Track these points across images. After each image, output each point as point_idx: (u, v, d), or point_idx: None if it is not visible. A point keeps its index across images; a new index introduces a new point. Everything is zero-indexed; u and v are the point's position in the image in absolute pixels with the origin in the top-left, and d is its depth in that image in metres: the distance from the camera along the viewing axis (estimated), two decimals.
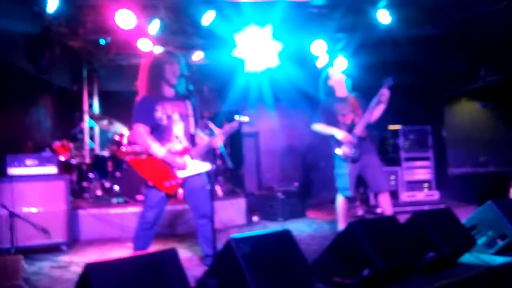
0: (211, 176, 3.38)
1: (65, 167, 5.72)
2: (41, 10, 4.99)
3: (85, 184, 6.08)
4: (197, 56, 6.70)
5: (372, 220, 3.33)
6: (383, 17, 5.23)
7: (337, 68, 4.90)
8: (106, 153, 6.38)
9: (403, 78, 6.16)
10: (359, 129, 4.55)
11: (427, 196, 7.02)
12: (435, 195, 7.07)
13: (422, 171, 7.13)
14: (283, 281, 2.59)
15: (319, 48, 6.14)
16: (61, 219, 4.62)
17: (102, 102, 7.96)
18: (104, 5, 5.17)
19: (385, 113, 4.67)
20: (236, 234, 2.62)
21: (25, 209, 4.46)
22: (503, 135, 7.16)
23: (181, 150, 3.53)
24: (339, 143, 4.56)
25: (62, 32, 5.75)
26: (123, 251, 4.57)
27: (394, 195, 6.65)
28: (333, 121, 4.64)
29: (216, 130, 3.65)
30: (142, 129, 3.46)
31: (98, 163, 6.35)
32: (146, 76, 3.54)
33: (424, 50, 6.59)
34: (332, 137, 4.62)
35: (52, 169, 4.68)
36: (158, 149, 3.44)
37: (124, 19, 5.11)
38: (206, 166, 3.58)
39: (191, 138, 3.61)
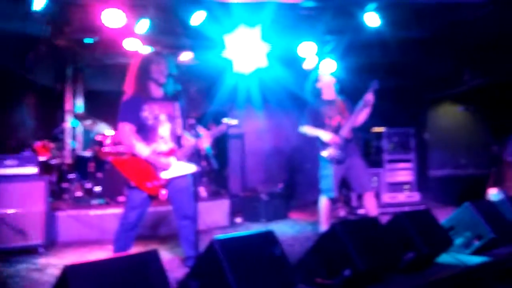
0: (196, 178, 3.37)
1: (45, 168, 5.64)
2: (27, 8, 4.92)
3: (65, 185, 6.00)
4: (186, 56, 6.67)
5: (354, 221, 3.37)
6: (372, 20, 5.29)
7: (327, 70, 4.95)
8: (88, 154, 6.31)
9: (390, 81, 6.25)
10: (345, 131, 4.62)
11: (408, 197, 7.11)
12: (416, 196, 7.16)
13: (403, 173, 7.21)
14: (265, 282, 2.60)
15: (307, 49, 6.17)
16: (39, 220, 4.53)
17: (87, 102, 7.86)
18: (92, 4, 5.11)
19: (370, 116, 4.74)
20: (219, 235, 2.62)
21: (1, 210, 4.37)
22: (483, 139, 7.31)
23: (166, 151, 3.52)
24: (325, 145, 4.62)
25: (48, 31, 5.67)
26: (103, 253, 4.53)
27: (375, 196, 6.70)
28: (320, 123, 4.70)
29: (202, 131, 3.64)
30: (127, 128, 3.45)
31: (79, 163, 6.27)
32: (134, 76, 3.54)
33: (411, 53, 6.66)
34: (318, 138, 4.68)
35: (32, 170, 4.61)
36: (142, 149, 3.42)
37: (112, 18, 5.06)
38: (191, 168, 3.58)
39: (177, 140, 3.61)
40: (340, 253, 2.99)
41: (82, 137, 7.65)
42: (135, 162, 3.44)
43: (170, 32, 5.98)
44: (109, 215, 5.25)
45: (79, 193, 5.97)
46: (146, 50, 5.84)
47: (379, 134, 7.21)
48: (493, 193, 5.71)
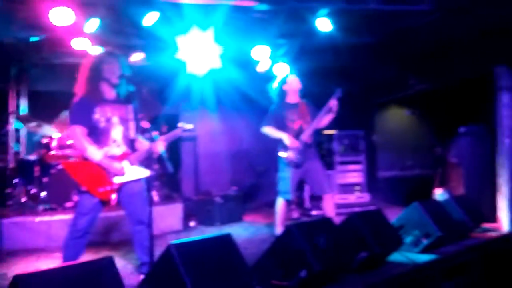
0: (150, 182, 3.30)
1: None
2: None
3: (8, 190, 5.71)
4: (137, 57, 6.52)
5: (309, 223, 3.43)
6: (324, 25, 5.39)
7: (293, 75, 5.01)
8: (32, 157, 6.02)
9: (341, 84, 6.37)
10: (306, 136, 4.71)
11: (358, 198, 7.31)
12: (366, 197, 7.37)
13: (354, 175, 7.41)
14: (223, 285, 2.59)
15: (261, 52, 6.21)
16: None
17: (32, 103, 7.50)
18: (38, 1, 4.89)
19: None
20: (176, 240, 2.58)
21: None
22: (428, 141, 7.64)
23: (119, 154, 3.43)
24: (285, 148, 4.67)
25: None
26: (51, 262, 4.34)
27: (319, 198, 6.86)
28: (282, 126, 4.77)
29: (157, 135, 3.57)
30: (78, 131, 3.33)
31: (23, 167, 5.96)
32: (85, 76, 3.42)
33: (361, 58, 6.85)
34: (279, 141, 4.72)
35: None
36: (94, 153, 3.31)
37: (60, 16, 4.87)
38: (145, 172, 3.50)
39: (130, 143, 3.52)
40: (295, 254, 3.03)
41: (26, 140, 7.30)
42: (86, 166, 3.32)
43: (121, 32, 5.83)
44: (57, 221, 5.06)
45: (23, 199, 5.69)
46: (95, 49, 5.67)
47: (330, 137, 7.37)
48: (439, 193, 5.98)
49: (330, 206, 4.79)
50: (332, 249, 3.21)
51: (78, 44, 5.65)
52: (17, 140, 7.11)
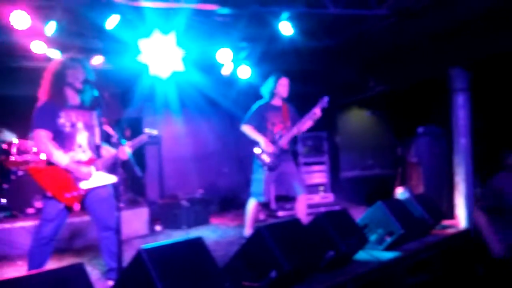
0: (117, 188, 3.26)
1: None
2: None
3: None
4: (97, 60, 6.39)
5: (278, 224, 3.47)
6: (286, 28, 5.46)
7: (285, 78, 5.00)
8: None
9: (304, 87, 6.50)
10: (283, 142, 4.75)
11: (323, 198, 7.45)
12: (330, 197, 7.52)
13: (318, 175, 7.54)
14: None
15: (224, 56, 6.23)
16: None
17: None
18: None
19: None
20: (144, 244, 2.57)
21: None
22: (388, 140, 7.88)
23: (85, 160, 3.37)
24: (261, 150, 4.68)
25: None
26: (14, 270, 4.21)
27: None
28: (262, 126, 4.80)
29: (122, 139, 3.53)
30: (43, 135, 3.25)
31: None
32: (49, 81, 3.36)
33: (322, 61, 6.98)
34: (256, 142, 4.73)
35: None
36: (61, 157, 3.24)
37: (17, 19, 4.73)
38: (112, 178, 3.46)
39: (96, 149, 3.47)
40: (266, 255, 3.07)
41: None
42: (52, 171, 3.25)
43: (80, 34, 5.71)
44: (17, 228, 4.90)
45: None
46: (54, 53, 5.54)
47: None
48: (400, 192, 6.17)
49: (302, 207, 4.85)
50: (301, 249, 3.27)
51: (37, 47, 5.51)
52: None
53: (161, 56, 5.75)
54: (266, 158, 4.68)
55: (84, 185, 3.33)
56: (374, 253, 3.99)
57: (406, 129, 6.86)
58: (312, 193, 7.36)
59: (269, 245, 3.08)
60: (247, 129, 4.83)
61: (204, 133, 8.15)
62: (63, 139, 3.32)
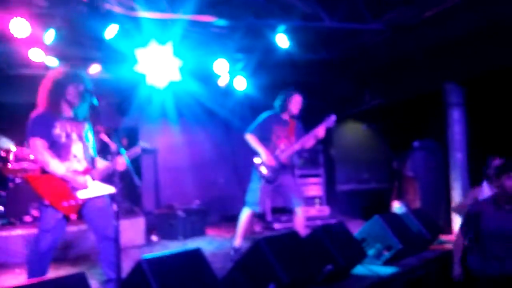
0: (115, 199, 3.25)
1: None
2: None
3: None
4: (94, 69, 6.41)
5: (276, 237, 3.47)
6: (282, 41, 5.51)
7: (299, 95, 4.93)
8: None
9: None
10: (284, 156, 4.71)
11: (319, 211, 7.44)
12: (326, 210, 7.51)
13: (314, 188, 7.55)
14: None
15: (221, 67, 6.27)
16: None
17: None
18: None
19: None
20: (142, 255, 2.57)
21: None
22: (384, 155, 7.92)
23: (81, 170, 3.37)
24: (261, 162, 4.66)
25: None
26: (12, 278, 4.17)
27: (289, 211, 6.93)
28: (267, 138, 4.74)
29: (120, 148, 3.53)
30: (39, 144, 3.24)
31: None
32: (47, 91, 3.34)
33: (318, 74, 7.04)
34: (257, 153, 4.70)
35: None
36: (57, 166, 3.23)
37: (16, 27, 4.74)
38: (109, 189, 3.45)
39: (91, 160, 3.47)
40: (264, 268, 3.07)
41: None
42: (50, 180, 3.24)
43: (79, 43, 5.74)
44: (15, 236, 4.86)
45: None
46: (52, 61, 5.56)
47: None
48: (397, 206, 6.17)
49: (300, 220, 4.82)
50: (299, 262, 3.27)
51: (35, 55, 5.52)
52: None
53: (158, 66, 5.78)
54: (264, 170, 4.66)
55: (81, 194, 3.32)
56: (373, 267, 3.98)
57: (402, 143, 6.90)
58: (308, 205, 7.34)
59: (268, 257, 3.08)
60: (251, 139, 4.77)
61: (201, 142, 8.15)
62: (58, 149, 3.31)
